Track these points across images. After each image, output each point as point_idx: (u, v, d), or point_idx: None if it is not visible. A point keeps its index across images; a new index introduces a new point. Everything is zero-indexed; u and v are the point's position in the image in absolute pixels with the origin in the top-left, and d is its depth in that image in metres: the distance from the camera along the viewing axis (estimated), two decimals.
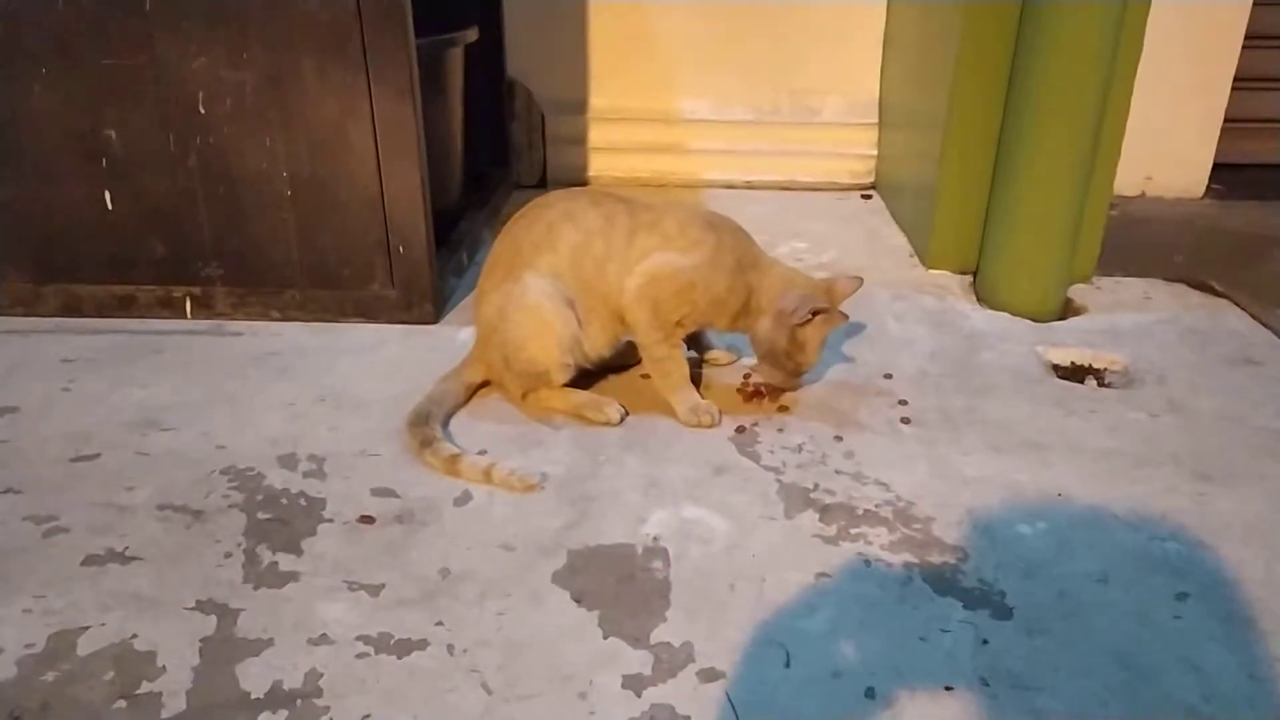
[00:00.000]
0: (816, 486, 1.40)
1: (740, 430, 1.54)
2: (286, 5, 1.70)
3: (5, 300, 1.93)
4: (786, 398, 1.63)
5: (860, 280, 1.59)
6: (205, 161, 1.81)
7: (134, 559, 1.23)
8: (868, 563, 1.24)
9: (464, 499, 1.36)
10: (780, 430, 1.55)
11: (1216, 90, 2.70)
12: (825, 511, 1.34)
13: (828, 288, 1.57)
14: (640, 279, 1.50)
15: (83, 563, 1.22)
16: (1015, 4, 1.92)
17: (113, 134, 1.80)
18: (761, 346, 1.57)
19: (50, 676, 1.05)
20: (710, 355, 1.76)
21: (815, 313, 1.51)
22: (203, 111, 1.77)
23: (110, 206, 1.85)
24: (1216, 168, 2.79)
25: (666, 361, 1.56)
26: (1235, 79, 2.68)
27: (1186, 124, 2.73)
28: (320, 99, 1.76)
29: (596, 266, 1.52)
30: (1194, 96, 2.70)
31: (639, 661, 1.07)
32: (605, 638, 1.11)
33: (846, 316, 1.56)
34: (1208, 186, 2.80)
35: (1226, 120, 2.73)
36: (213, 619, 1.13)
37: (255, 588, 1.18)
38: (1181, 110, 2.69)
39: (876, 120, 2.89)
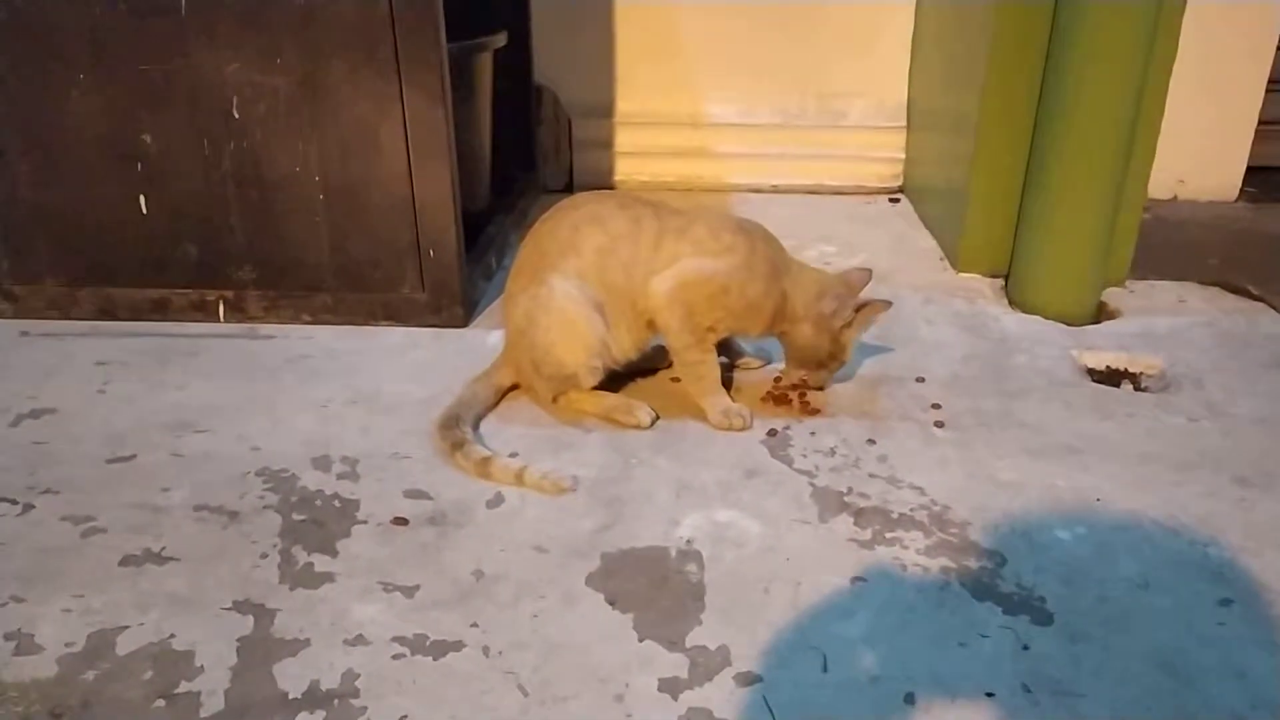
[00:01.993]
0: (850, 490, 1.39)
1: (772, 433, 1.54)
2: (320, 10, 1.71)
3: (41, 303, 1.95)
4: (818, 401, 1.63)
5: (869, 271, 1.59)
6: (238, 165, 1.83)
7: (171, 559, 1.24)
8: (904, 567, 1.23)
9: (496, 501, 1.36)
10: (812, 434, 1.54)
11: (1250, 93, 2.66)
12: (860, 515, 1.33)
13: (844, 282, 1.57)
14: (671, 283, 1.50)
15: (120, 563, 1.23)
16: (1049, 5, 1.91)
17: (148, 138, 1.82)
18: (802, 352, 1.57)
19: (90, 675, 1.05)
20: (741, 361, 1.75)
21: (857, 310, 1.54)
22: (236, 116, 1.79)
23: (145, 210, 1.87)
24: (1250, 170, 2.75)
25: (699, 365, 1.55)
26: (1269, 81, 2.65)
27: (1220, 126, 2.70)
28: (352, 103, 1.77)
29: (623, 270, 1.51)
30: (1227, 99, 2.66)
31: (675, 664, 1.07)
32: (641, 640, 1.10)
33: (889, 303, 1.57)
34: (1241, 189, 2.77)
35: (1260, 123, 2.69)
36: (250, 619, 1.14)
37: (291, 588, 1.19)
38: (1215, 113, 2.66)
39: (904, 123, 2.87)
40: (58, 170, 1.86)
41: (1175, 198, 2.77)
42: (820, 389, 1.63)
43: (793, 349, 1.59)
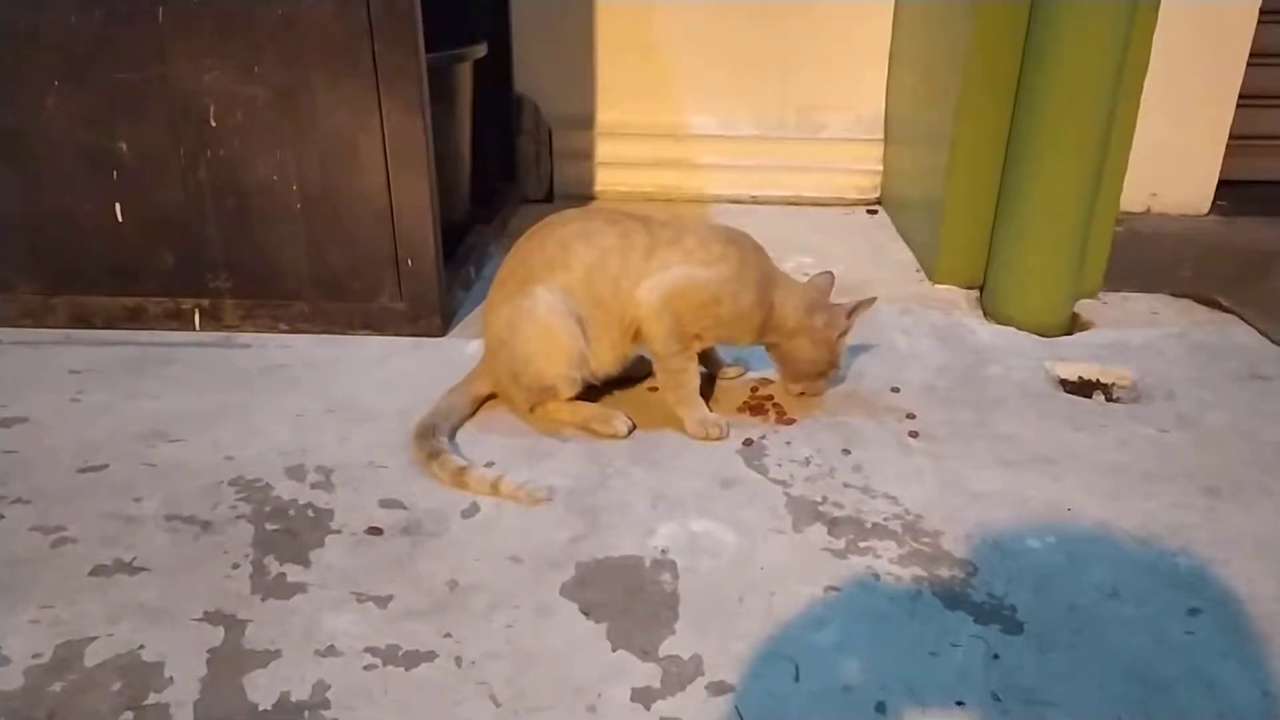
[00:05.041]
0: (825, 500, 1.39)
1: (748, 443, 1.54)
2: (298, 20, 1.71)
3: (15, 312, 1.93)
4: (793, 411, 1.63)
5: (831, 274, 1.64)
6: (215, 174, 1.82)
7: (142, 570, 1.23)
8: (877, 576, 1.23)
9: (472, 511, 1.36)
10: (788, 443, 1.55)
11: (1221, 107, 2.69)
12: (834, 525, 1.34)
13: (816, 289, 1.61)
14: (662, 290, 1.50)
15: (90, 573, 1.22)
16: (1023, 20, 1.93)
17: (124, 146, 1.81)
18: (799, 365, 1.60)
19: (57, 687, 1.04)
20: (720, 371, 1.76)
21: (849, 315, 1.58)
22: (214, 124, 1.79)
23: (120, 219, 1.86)
24: (1222, 184, 2.78)
25: (680, 374, 1.56)
26: (1240, 96, 2.68)
27: (1192, 141, 2.73)
28: (331, 113, 1.77)
29: (612, 284, 1.52)
30: (1199, 113, 2.69)
31: (648, 674, 1.07)
32: (614, 650, 1.10)
33: (874, 298, 1.61)
34: (1213, 203, 2.80)
35: (1232, 137, 2.73)
36: (220, 630, 1.13)
37: (263, 599, 1.18)
38: (1187, 127, 2.69)
39: (882, 136, 2.90)
40: (32, 178, 1.84)
41: (1148, 211, 2.80)
42: (818, 395, 1.67)
43: (789, 364, 1.61)
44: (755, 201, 2.95)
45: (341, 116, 1.77)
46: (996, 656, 1.10)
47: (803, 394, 1.66)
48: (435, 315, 1.91)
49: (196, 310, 1.92)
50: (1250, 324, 2.03)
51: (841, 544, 1.30)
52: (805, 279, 1.64)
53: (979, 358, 1.86)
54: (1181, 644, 1.13)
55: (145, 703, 1.02)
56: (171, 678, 1.06)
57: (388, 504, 1.37)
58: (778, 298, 1.56)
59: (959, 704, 1.03)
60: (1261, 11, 2.60)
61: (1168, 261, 2.39)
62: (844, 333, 1.58)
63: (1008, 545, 1.30)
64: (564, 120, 2.89)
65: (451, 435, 1.53)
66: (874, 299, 1.60)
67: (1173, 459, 1.51)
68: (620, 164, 2.94)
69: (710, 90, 2.89)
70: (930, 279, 2.26)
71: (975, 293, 2.16)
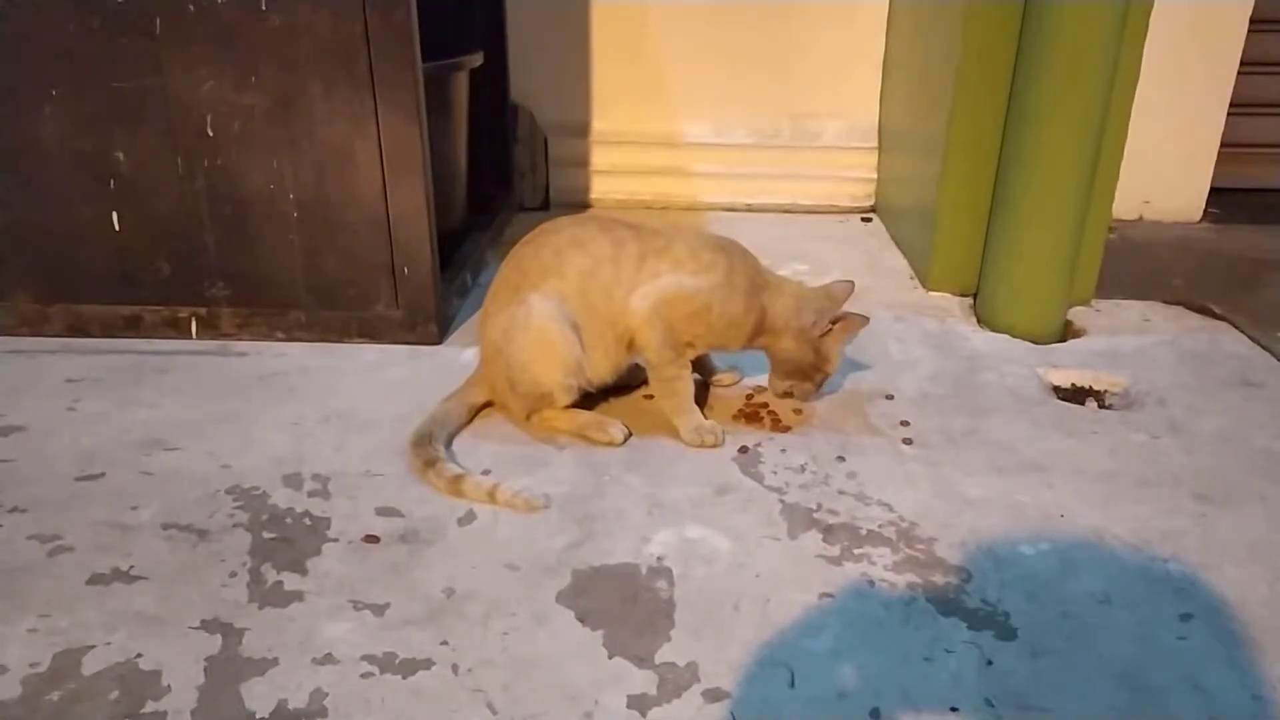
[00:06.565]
0: (820, 507, 1.40)
1: (743, 450, 1.55)
2: (295, 29, 1.72)
3: (12, 320, 1.94)
4: (789, 418, 1.64)
5: (852, 283, 1.60)
6: (212, 183, 1.83)
7: (139, 578, 1.23)
8: (871, 583, 1.24)
9: (468, 518, 1.37)
10: (783, 451, 1.55)
11: (1213, 116, 2.72)
12: (828, 532, 1.34)
13: (827, 294, 1.59)
14: (652, 300, 1.51)
15: (88, 582, 1.22)
16: (1015, 28, 1.95)
17: (121, 156, 1.82)
18: (786, 364, 1.60)
19: (55, 696, 1.05)
20: (715, 378, 1.77)
21: (834, 321, 1.55)
22: (211, 133, 1.79)
23: (117, 227, 1.87)
24: (1214, 192, 2.81)
25: (675, 381, 1.57)
26: (1231, 104, 2.71)
27: (1184, 149, 2.75)
28: (327, 121, 1.78)
29: (604, 292, 1.52)
30: (1191, 122, 2.72)
31: (644, 681, 1.07)
32: (610, 657, 1.11)
33: (867, 319, 1.59)
34: (1205, 210, 2.82)
35: (1223, 145, 2.75)
36: (217, 638, 1.13)
37: (260, 607, 1.18)
38: (1179, 135, 2.72)
39: (876, 144, 2.91)
40: (30, 186, 1.85)
41: (1140, 218, 2.83)
42: (805, 399, 1.66)
43: (776, 362, 1.61)
44: (750, 209, 2.97)
45: (338, 125, 1.78)
46: (990, 662, 1.11)
47: (788, 395, 1.64)
48: (431, 323, 1.91)
49: (193, 318, 1.92)
50: (1241, 331, 2.04)
51: (836, 551, 1.30)
52: (816, 284, 1.63)
53: (972, 365, 1.87)
54: (1173, 649, 1.14)
55: (143, 711, 1.03)
56: (169, 686, 1.06)
57: (384, 512, 1.38)
58: (768, 299, 1.57)
59: (953, 710, 1.04)
60: (1252, 20, 2.63)
61: (1160, 269, 2.41)
62: (825, 334, 1.56)
63: (1001, 552, 1.30)
64: (559, 128, 2.90)
65: (448, 443, 1.54)
66: (866, 318, 1.58)
67: (1164, 465, 1.52)
68: (616, 172, 2.95)
69: (705, 98, 2.91)
70: (924, 286, 2.27)
71: (969, 300, 2.18)
